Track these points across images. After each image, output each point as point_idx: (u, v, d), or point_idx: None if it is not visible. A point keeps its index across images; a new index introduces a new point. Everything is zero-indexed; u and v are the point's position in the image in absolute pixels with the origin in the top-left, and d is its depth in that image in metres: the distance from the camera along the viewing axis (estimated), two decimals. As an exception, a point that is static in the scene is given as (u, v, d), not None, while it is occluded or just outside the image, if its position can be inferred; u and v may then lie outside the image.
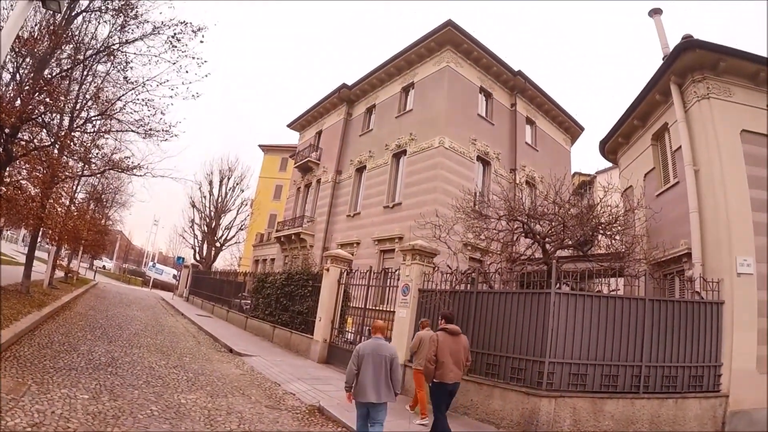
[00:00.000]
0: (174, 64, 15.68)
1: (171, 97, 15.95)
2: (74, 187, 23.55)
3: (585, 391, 9.50)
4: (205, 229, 48.74)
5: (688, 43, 12.47)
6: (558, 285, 9.99)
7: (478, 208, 15.38)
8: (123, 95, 16.28)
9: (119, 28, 15.60)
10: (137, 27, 15.57)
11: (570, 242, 12.20)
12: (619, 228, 12.50)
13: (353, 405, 7.13)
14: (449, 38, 24.28)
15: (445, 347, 8.12)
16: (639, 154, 16.39)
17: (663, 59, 13.94)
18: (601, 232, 12.37)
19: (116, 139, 18.16)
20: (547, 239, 12.12)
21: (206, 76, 16.36)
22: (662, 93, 14.11)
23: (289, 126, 40.09)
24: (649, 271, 11.57)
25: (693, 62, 12.63)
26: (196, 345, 15.93)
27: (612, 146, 18.50)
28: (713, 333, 10.68)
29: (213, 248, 48.84)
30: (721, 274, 10.99)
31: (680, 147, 12.96)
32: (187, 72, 15.78)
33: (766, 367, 10.60)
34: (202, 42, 15.66)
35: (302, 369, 14.04)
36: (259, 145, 59.93)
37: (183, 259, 51.05)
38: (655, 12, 15.65)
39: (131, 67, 15.98)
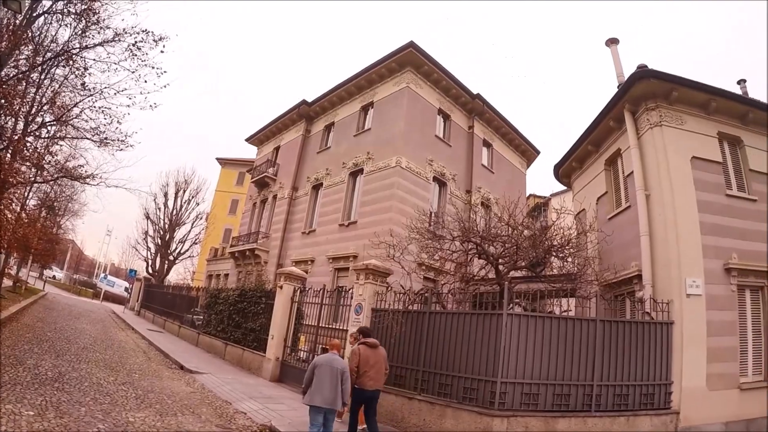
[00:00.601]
0: (133, 72, 15.39)
1: (128, 106, 15.70)
2: (26, 194, 22.88)
3: (537, 410, 9.58)
4: (159, 241, 47.82)
5: (643, 73, 12.81)
6: (510, 306, 10.09)
7: (432, 228, 15.39)
8: (80, 101, 15.88)
9: (80, 32, 15.23)
10: (98, 33, 15.19)
11: (523, 263, 12.31)
12: (572, 250, 12.67)
13: (305, 422, 7.99)
14: (410, 59, 24.40)
15: (366, 359, 8.91)
16: (592, 178, 16.66)
17: (618, 87, 14.23)
18: (554, 253, 12.50)
19: (71, 146, 17.73)
20: (500, 260, 12.19)
21: (165, 86, 16.06)
22: (616, 120, 14.40)
23: (247, 140, 39.56)
24: (600, 293, 11.79)
25: (647, 91, 12.98)
26: (146, 361, 15.39)
27: (566, 170, 18.79)
28: (664, 352, 10.90)
29: (166, 261, 47.93)
30: (671, 296, 11.25)
31: (632, 172, 13.26)
32: (146, 82, 15.53)
33: (715, 384, 10.91)
34: (162, 52, 15.40)
35: (254, 387, 13.70)
36: (217, 158, 58.86)
37: (135, 271, 49.87)
38: (612, 41, 16.03)
39: (90, 74, 15.56)
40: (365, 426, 9.53)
